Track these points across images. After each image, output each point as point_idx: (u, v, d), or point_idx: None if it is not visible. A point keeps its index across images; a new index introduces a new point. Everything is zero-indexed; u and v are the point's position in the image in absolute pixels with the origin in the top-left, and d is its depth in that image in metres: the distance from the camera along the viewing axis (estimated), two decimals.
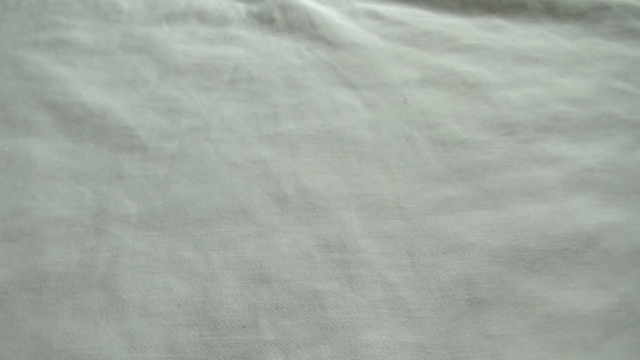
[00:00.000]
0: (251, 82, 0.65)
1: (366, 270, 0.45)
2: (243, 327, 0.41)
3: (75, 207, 0.49)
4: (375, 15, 0.78)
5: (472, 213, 0.49)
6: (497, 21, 0.76)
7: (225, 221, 0.48)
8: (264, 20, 0.76)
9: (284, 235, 0.47)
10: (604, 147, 0.56)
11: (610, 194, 0.51)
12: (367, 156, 0.55)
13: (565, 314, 0.42)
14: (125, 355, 0.39)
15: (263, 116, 0.60)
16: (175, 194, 0.51)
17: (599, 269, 0.45)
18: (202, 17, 0.77)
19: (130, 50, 0.70)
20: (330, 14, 0.77)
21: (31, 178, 0.52)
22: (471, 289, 0.43)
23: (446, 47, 0.71)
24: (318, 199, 0.50)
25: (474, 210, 0.50)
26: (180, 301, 0.42)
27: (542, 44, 0.71)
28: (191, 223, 0.48)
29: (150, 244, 0.46)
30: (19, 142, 0.56)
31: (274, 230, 0.48)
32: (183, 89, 0.63)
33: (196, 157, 0.55)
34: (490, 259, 0.45)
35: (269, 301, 0.43)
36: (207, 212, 0.49)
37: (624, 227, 0.48)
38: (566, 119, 0.59)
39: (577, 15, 0.76)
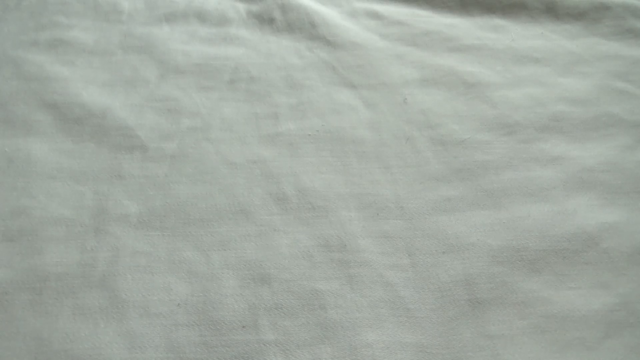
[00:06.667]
0: (251, 82, 0.65)
1: (366, 270, 0.45)
2: (243, 327, 0.41)
3: (75, 207, 0.49)
4: (375, 15, 0.77)
5: (472, 213, 0.49)
6: (497, 21, 0.76)
7: (225, 221, 0.48)
8: (264, 20, 0.76)
9: (284, 235, 0.47)
10: (604, 147, 0.56)
11: (610, 194, 0.51)
12: (367, 156, 0.55)
13: (565, 314, 0.42)
14: (125, 355, 0.39)
15: (263, 116, 0.60)
16: (175, 194, 0.51)
17: (599, 269, 0.45)
18: (202, 17, 0.77)
19: (130, 50, 0.70)
20: (330, 14, 0.77)
21: (31, 178, 0.52)
22: (471, 289, 0.43)
23: (446, 47, 0.71)
24: (318, 199, 0.50)
25: (474, 210, 0.50)
26: (180, 301, 0.42)
27: (542, 44, 0.71)
28: (191, 223, 0.48)
29: (150, 244, 0.46)
30: (19, 142, 0.56)
31: (274, 230, 0.48)
32: (183, 89, 0.63)
33: (196, 157, 0.55)
34: (490, 259, 0.45)
35: (269, 301, 0.43)
36: (207, 212, 0.49)
37: (624, 227, 0.48)
38: (566, 119, 0.59)
39: (577, 15, 0.76)
